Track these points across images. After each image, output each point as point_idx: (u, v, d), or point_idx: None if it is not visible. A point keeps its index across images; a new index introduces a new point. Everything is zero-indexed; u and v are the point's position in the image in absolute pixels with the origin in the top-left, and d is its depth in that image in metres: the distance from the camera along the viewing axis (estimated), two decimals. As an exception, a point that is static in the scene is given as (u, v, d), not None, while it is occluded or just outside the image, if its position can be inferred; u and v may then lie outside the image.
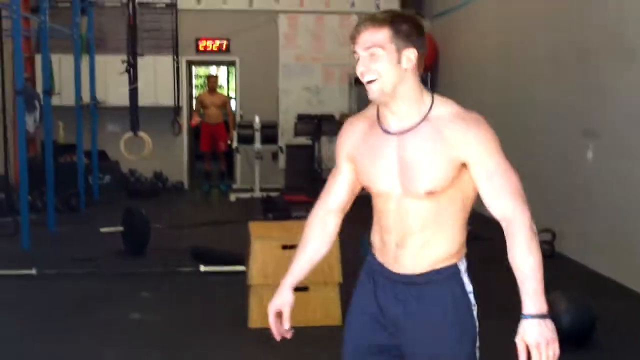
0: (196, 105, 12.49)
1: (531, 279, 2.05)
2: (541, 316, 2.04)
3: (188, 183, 12.66)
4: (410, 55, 2.13)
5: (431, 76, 11.99)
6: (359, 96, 12.50)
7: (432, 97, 2.19)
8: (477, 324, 2.22)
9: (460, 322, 2.20)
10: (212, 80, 12.40)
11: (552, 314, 4.58)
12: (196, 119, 12.13)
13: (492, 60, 9.62)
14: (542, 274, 2.06)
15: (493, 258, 7.49)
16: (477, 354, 2.24)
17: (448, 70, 11.48)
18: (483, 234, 8.23)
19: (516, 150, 8.63)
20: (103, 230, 7.71)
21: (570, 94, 7.33)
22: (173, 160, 12.42)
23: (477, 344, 2.23)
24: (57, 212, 8.78)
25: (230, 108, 12.13)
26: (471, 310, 2.22)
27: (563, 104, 7.49)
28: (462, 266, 2.23)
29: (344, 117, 11.95)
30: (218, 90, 12.72)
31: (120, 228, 7.44)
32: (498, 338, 4.42)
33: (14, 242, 7.41)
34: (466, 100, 11.15)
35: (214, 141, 12.01)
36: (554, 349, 2.04)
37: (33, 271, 6.38)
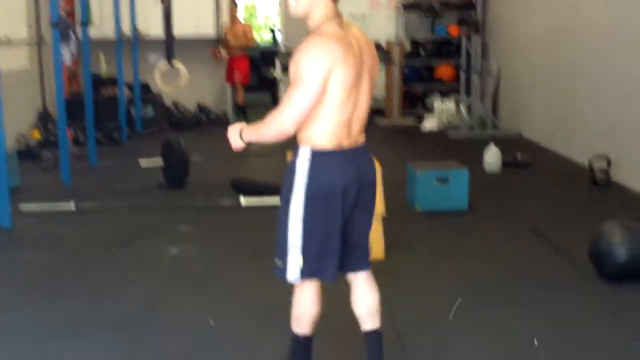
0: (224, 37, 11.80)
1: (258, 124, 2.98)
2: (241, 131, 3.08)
3: (232, 114, 12.45)
4: None
5: (484, 1, 11.58)
6: (406, 23, 12.10)
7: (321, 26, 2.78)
8: (293, 188, 2.91)
9: (285, 182, 2.98)
10: (231, 10, 11.60)
11: (607, 245, 4.28)
12: (219, 52, 11.57)
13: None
14: (262, 131, 2.98)
15: (530, 183, 7.24)
16: (290, 209, 2.93)
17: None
18: (524, 160, 7.96)
19: (570, 74, 8.26)
20: (143, 164, 7.59)
21: (630, 14, 6.88)
22: (216, 91, 12.21)
23: (291, 203, 2.92)
24: (99, 146, 8.73)
25: (252, 38, 11.60)
26: (292, 180, 2.92)
27: (622, 25, 7.06)
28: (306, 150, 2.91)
29: (391, 44, 11.57)
30: (243, 20, 11.94)
31: (159, 161, 7.30)
32: (524, 252, 4.32)
33: (55, 176, 7.34)
34: (517, 24, 10.62)
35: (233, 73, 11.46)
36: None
37: (71, 205, 6.30)
